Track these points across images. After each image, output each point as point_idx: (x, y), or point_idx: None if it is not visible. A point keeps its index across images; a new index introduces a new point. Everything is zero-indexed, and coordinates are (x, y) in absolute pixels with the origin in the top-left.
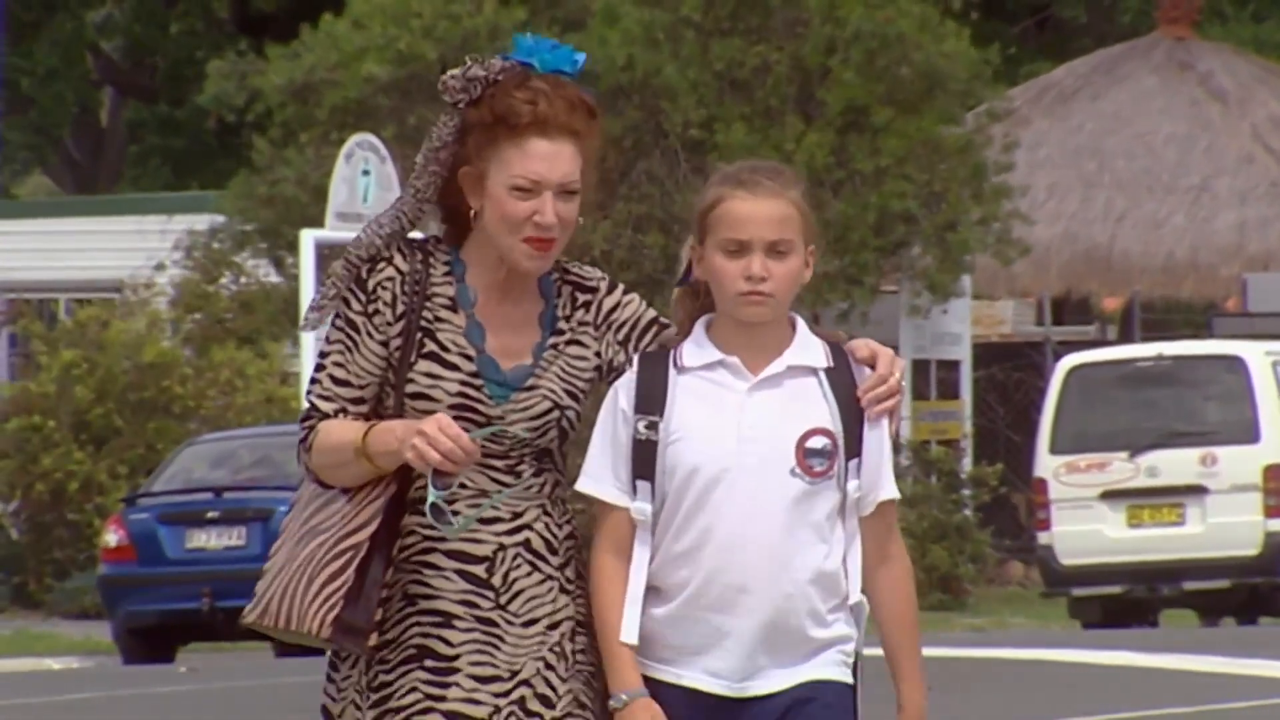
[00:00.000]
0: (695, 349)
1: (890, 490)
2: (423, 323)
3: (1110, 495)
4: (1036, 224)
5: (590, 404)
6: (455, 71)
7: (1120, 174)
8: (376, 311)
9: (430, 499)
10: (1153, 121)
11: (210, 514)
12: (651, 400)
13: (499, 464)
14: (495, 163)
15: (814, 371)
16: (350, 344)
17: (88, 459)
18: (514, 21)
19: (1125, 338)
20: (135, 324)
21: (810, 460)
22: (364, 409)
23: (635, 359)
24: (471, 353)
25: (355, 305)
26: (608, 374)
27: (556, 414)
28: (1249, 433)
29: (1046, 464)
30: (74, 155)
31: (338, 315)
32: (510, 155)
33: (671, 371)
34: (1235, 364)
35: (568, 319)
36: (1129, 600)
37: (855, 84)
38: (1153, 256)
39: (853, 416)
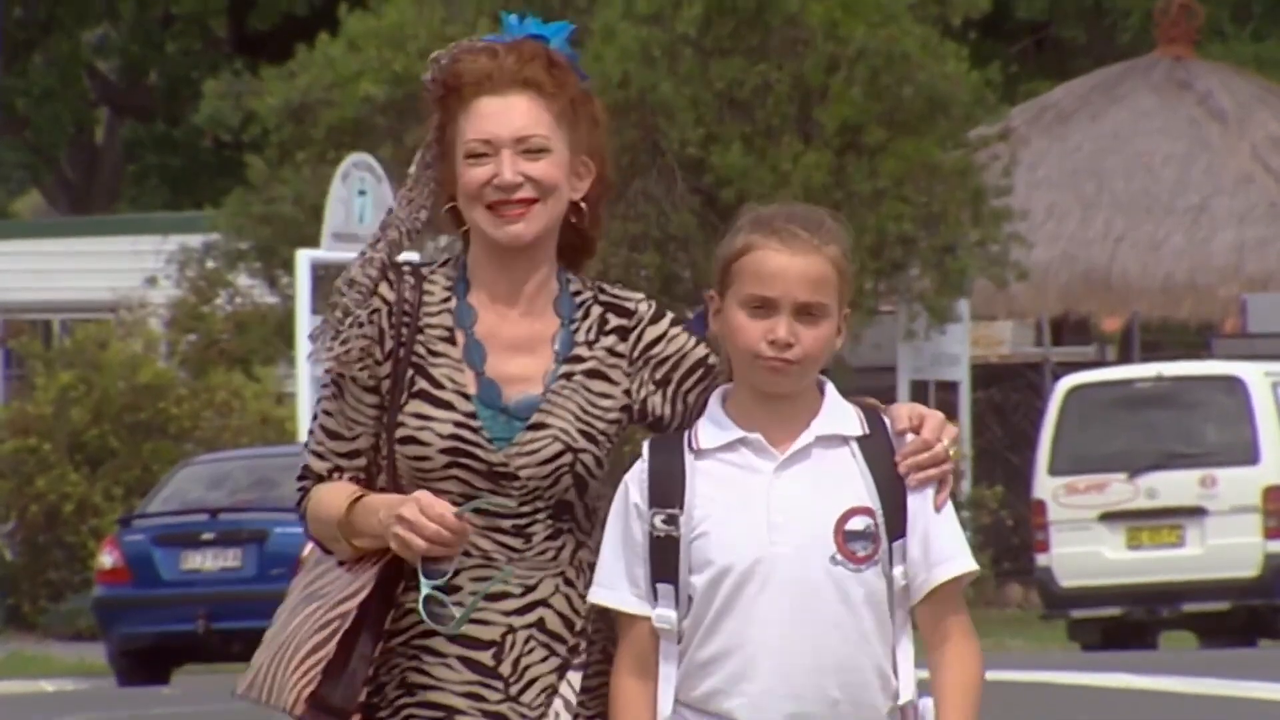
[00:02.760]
0: (712, 428)
1: (948, 569)
2: (414, 358)
3: (1109, 517)
4: (1035, 245)
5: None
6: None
7: (1119, 194)
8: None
9: (423, 592)
10: (1151, 141)
11: (206, 535)
12: (668, 491)
13: (506, 524)
14: (457, 140)
15: (846, 441)
16: (337, 390)
17: (83, 480)
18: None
19: (1124, 358)
20: (131, 345)
21: (852, 545)
22: (360, 463)
23: (646, 446)
24: (470, 390)
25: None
26: (639, 418)
27: (569, 459)
28: (1248, 454)
29: (1045, 485)
30: (68, 175)
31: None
32: (464, 123)
33: (688, 456)
34: (1234, 385)
35: (590, 344)
36: (1128, 622)
37: (857, 102)
38: (1151, 277)
39: (894, 491)
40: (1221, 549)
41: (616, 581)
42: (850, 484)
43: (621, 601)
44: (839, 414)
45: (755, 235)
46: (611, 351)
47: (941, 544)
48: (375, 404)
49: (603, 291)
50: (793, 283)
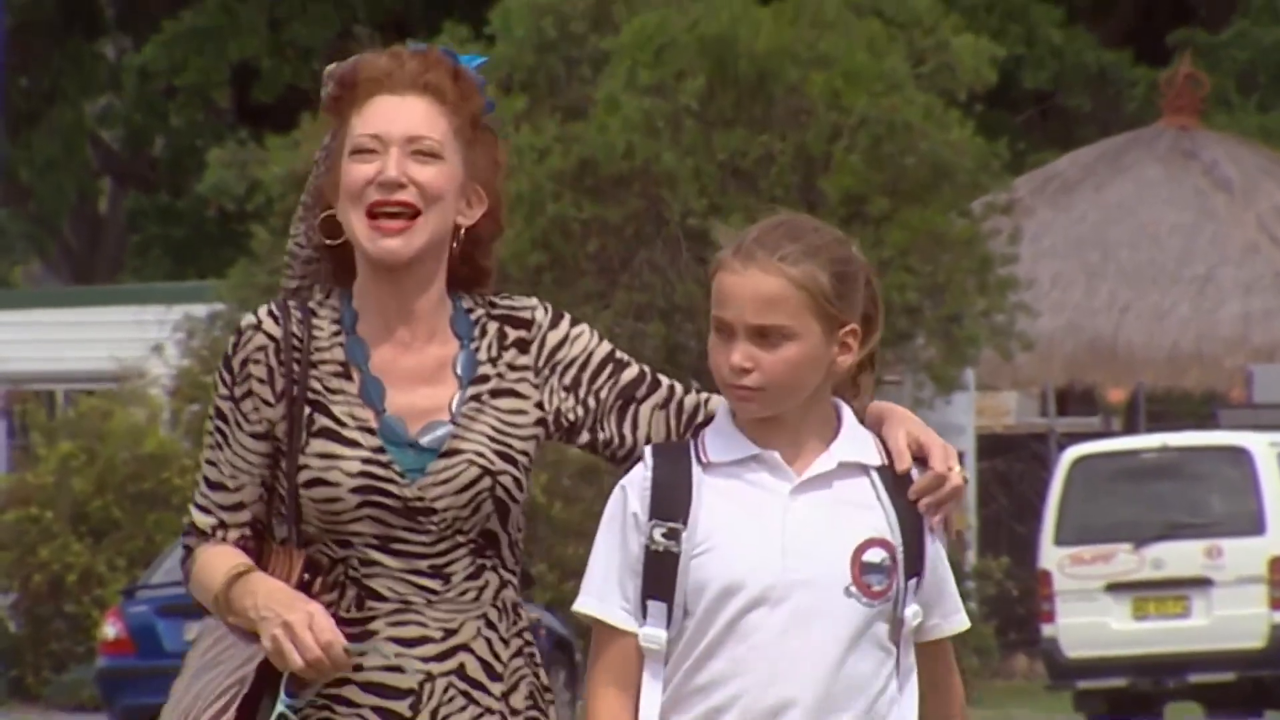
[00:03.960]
0: (722, 440)
1: (958, 620)
2: (310, 395)
3: (1115, 587)
4: (1040, 315)
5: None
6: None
7: (1124, 264)
8: (248, 394)
9: (277, 709)
10: (1157, 211)
11: None
12: (672, 503)
13: (424, 564)
14: (346, 144)
15: (866, 470)
16: (220, 438)
17: (86, 551)
18: (514, 110)
19: (1130, 429)
20: (135, 415)
21: (868, 578)
22: (244, 516)
23: (647, 452)
24: (373, 424)
25: (223, 388)
26: (555, 429)
27: (488, 482)
28: (1254, 524)
29: (1051, 556)
30: (72, 245)
31: (212, 401)
32: (355, 123)
33: (695, 468)
34: (1240, 455)
35: (494, 361)
36: (1134, 693)
37: (860, 171)
38: (1157, 347)
39: (914, 527)
40: (1227, 620)
41: (606, 592)
42: (870, 514)
43: (610, 614)
44: (858, 440)
45: (724, 254)
46: (514, 366)
47: (952, 591)
48: (263, 451)
49: (494, 305)
50: (744, 304)
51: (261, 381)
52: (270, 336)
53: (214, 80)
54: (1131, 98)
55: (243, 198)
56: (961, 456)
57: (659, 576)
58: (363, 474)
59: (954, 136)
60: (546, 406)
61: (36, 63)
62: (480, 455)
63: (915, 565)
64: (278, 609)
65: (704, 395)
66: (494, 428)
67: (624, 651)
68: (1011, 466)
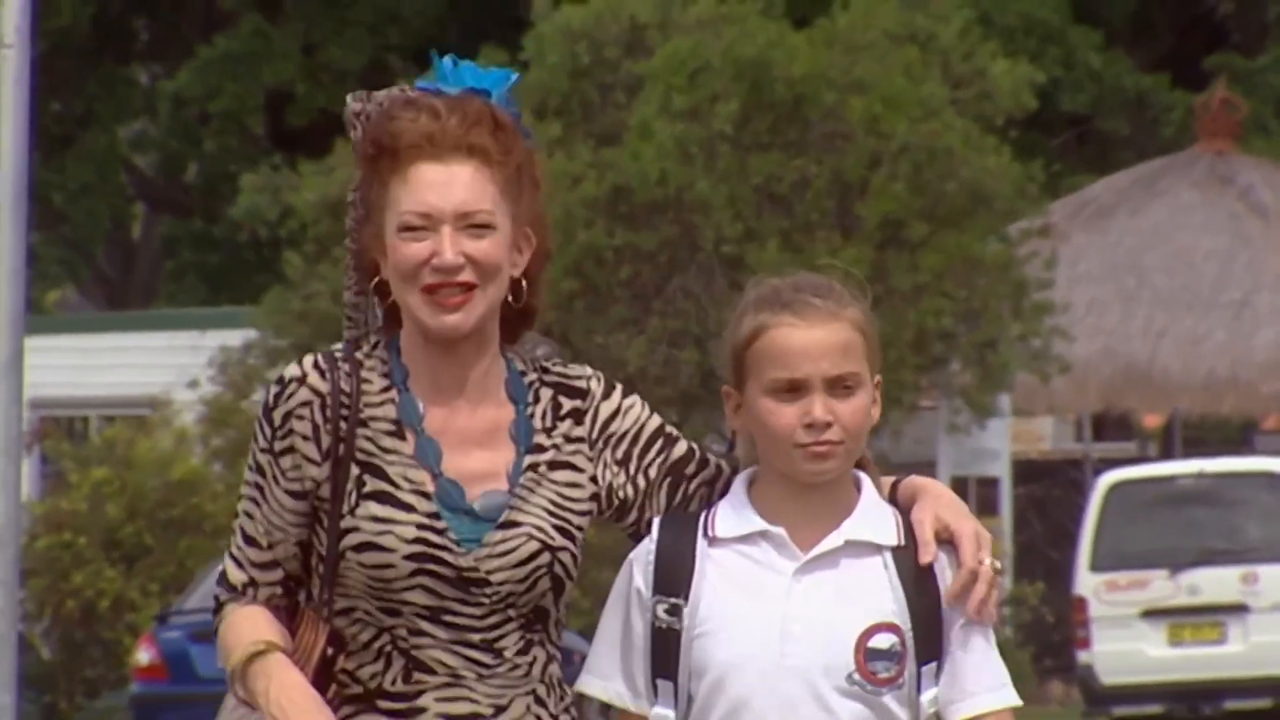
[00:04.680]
0: (732, 514)
1: (991, 700)
2: (359, 454)
3: (1151, 613)
4: (1076, 340)
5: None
6: (349, 100)
7: (1160, 289)
8: (289, 450)
9: None
10: (1193, 236)
11: None
12: (674, 578)
13: (475, 637)
14: (388, 208)
15: (879, 550)
16: (257, 492)
17: (119, 577)
18: (548, 136)
19: (1166, 455)
20: (163, 441)
21: (873, 664)
22: (276, 575)
23: (655, 525)
24: (429, 488)
25: (262, 440)
26: (607, 506)
27: (547, 558)
28: None
29: (1087, 582)
30: (105, 270)
31: (251, 450)
32: (398, 191)
33: (700, 542)
34: (1276, 481)
35: (549, 431)
36: None
37: (901, 197)
38: (1193, 373)
39: (928, 609)
40: (1264, 646)
41: (610, 671)
42: (877, 597)
43: (615, 695)
44: (874, 517)
45: (765, 315)
46: (569, 438)
47: (984, 674)
48: (301, 510)
49: (546, 372)
50: (819, 357)
51: (305, 439)
52: (315, 391)
53: (248, 106)
54: (1168, 122)
55: (275, 222)
56: (996, 483)
57: (665, 654)
58: (418, 540)
59: (991, 163)
60: (600, 481)
61: (69, 87)
62: (540, 530)
63: (931, 650)
64: (287, 711)
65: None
66: (553, 501)
67: None
68: (1047, 492)
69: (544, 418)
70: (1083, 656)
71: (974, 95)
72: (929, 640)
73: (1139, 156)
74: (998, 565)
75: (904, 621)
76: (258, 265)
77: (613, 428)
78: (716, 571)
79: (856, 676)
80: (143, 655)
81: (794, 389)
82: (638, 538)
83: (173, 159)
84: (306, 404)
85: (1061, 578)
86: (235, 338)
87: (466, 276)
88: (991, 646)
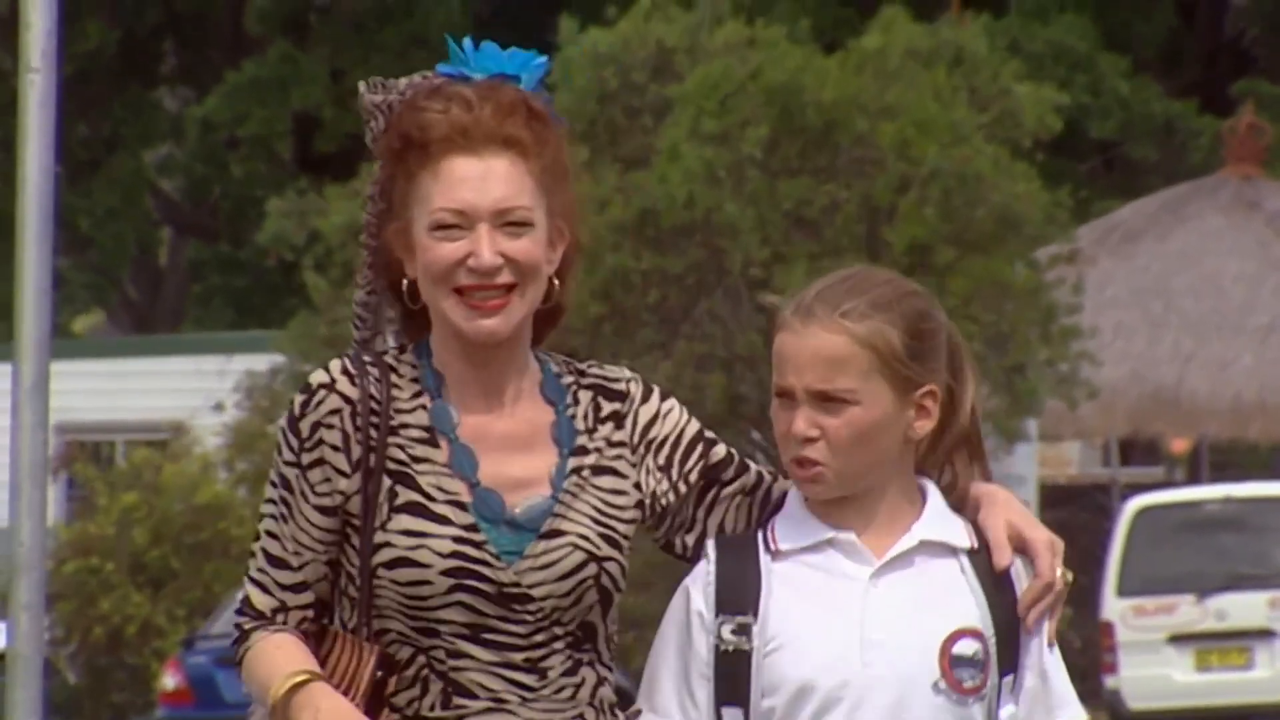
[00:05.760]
0: (792, 525)
1: (1070, 714)
2: (390, 464)
3: (1178, 639)
4: (1103, 365)
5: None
6: (362, 88)
7: (1187, 314)
8: (319, 462)
9: None
10: (1220, 261)
11: None
12: (739, 597)
13: (518, 657)
14: (415, 204)
15: (954, 552)
16: (284, 509)
17: (145, 601)
18: (574, 160)
19: (1193, 480)
20: (188, 466)
21: (959, 671)
22: (308, 598)
23: (710, 546)
24: (465, 498)
25: (288, 453)
26: (650, 514)
27: (593, 570)
28: None
29: (1113, 607)
30: (132, 295)
31: (273, 465)
32: (428, 187)
33: (763, 558)
34: None
35: (590, 433)
36: None
37: (930, 221)
38: (1220, 398)
39: (1008, 618)
40: None
41: (667, 703)
42: (959, 601)
43: None
44: (944, 521)
45: (783, 313)
46: (611, 442)
47: (1060, 685)
48: (331, 527)
49: (583, 374)
50: (804, 367)
51: (336, 449)
52: (345, 398)
53: (276, 130)
54: (1196, 148)
55: (301, 248)
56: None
57: (732, 678)
58: (455, 554)
59: (1020, 189)
60: (644, 487)
61: (96, 111)
62: (585, 539)
63: (1010, 661)
64: None
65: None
66: (597, 509)
67: None
68: (1074, 517)
69: (585, 419)
70: (1110, 682)
71: (999, 116)
72: (1008, 650)
73: (1167, 182)
74: (1069, 577)
75: (986, 628)
76: (285, 289)
77: (653, 432)
78: (784, 585)
79: (943, 685)
80: (169, 680)
81: (785, 396)
82: (669, 549)
83: (199, 183)
84: (336, 411)
85: (1088, 602)
86: (261, 362)
87: (505, 278)
88: (1060, 659)
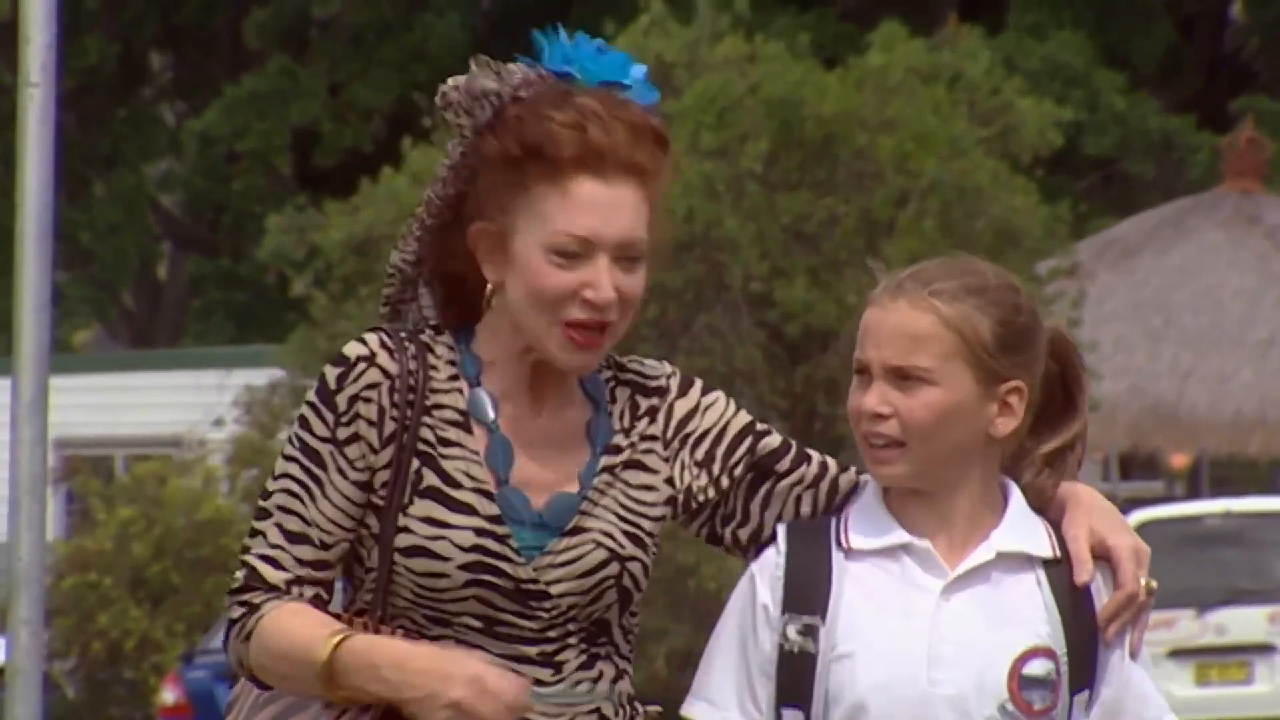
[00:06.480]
0: (867, 523)
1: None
2: (421, 446)
3: (1177, 653)
4: (1103, 379)
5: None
6: (456, 80)
7: (1187, 328)
8: (355, 438)
9: None
10: (1219, 275)
11: None
12: (808, 595)
13: (532, 650)
14: (525, 215)
15: (1032, 564)
16: (312, 482)
17: (145, 616)
18: None
19: (1193, 494)
20: (191, 482)
21: (1029, 693)
22: (329, 575)
23: (780, 533)
24: (491, 487)
25: (320, 427)
26: (684, 509)
27: (615, 569)
28: None
29: None
30: (131, 309)
31: (294, 438)
32: (549, 204)
33: (836, 555)
34: None
35: (627, 432)
36: None
37: (929, 235)
38: (1220, 412)
39: (1082, 632)
40: None
41: (725, 698)
42: (1033, 618)
43: None
44: (1025, 527)
45: (876, 290)
46: (645, 436)
47: (1146, 691)
48: (362, 504)
49: (623, 369)
50: (885, 340)
51: (371, 424)
52: (385, 372)
53: (275, 145)
54: (1195, 164)
55: (301, 262)
56: None
57: (795, 680)
58: (475, 548)
59: (1020, 203)
60: (677, 484)
61: (96, 126)
62: (608, 536)
63: (1083, 677)
64: (434, 679)
65: (866, 477)
66: (623, 505)
67: None
68: None
69: (622, 418)
70: None
71: (999, 131)
72: (1083, 667)
73: (1165, 198)
74: (1153, 585)
75: (1059, 646)
76: (285, 304)
77: (691, 426)
78: (855, 588)
79: (1010, 707)
80: (168, 695)
81: (862, 371)
82: (716, 540)
83: (199, 198)
84: (374, 386)
85: None
86: (261, 377)
87: (612, 315)
88: (1148, 666)
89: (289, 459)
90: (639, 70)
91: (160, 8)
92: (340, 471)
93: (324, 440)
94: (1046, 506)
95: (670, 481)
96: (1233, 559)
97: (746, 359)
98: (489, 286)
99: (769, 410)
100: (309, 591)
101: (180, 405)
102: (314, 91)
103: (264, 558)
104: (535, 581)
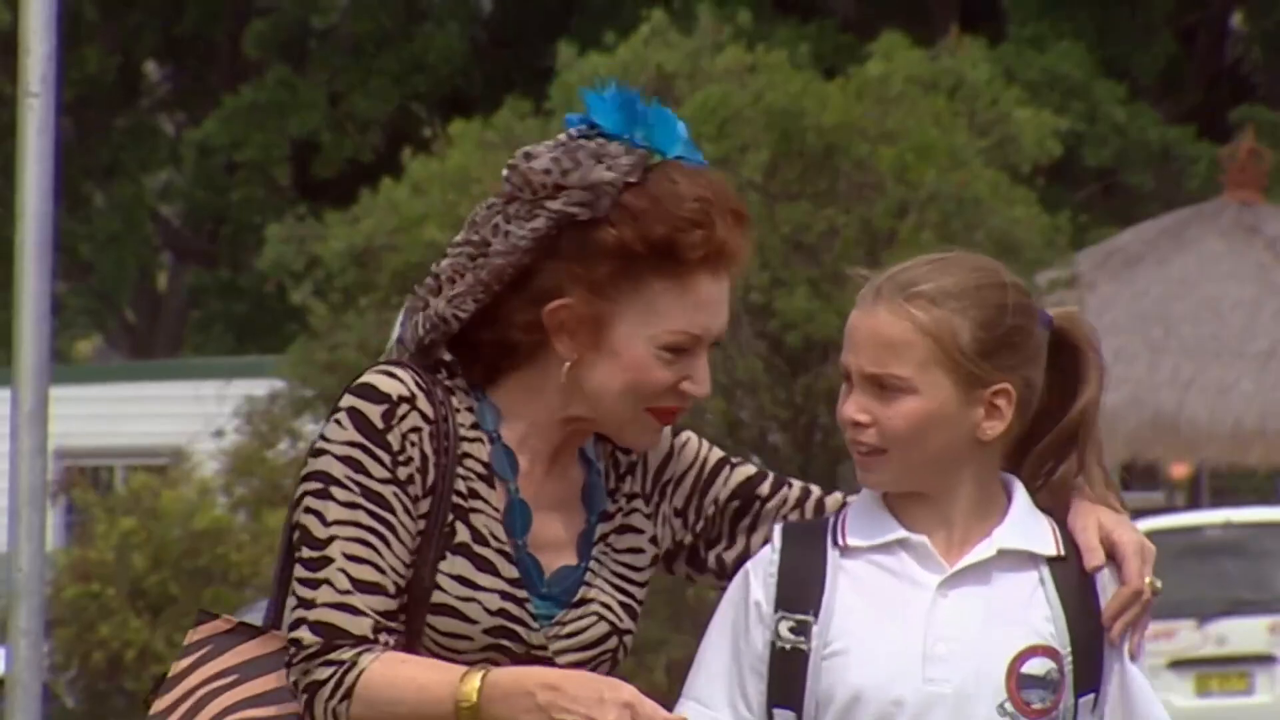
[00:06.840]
0: (865, 521)
1: None
2: (455, 498)
3: (1178, 664)
4: (1103, 390)
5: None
6: (545, 159)
7: (1187, 339)
8: (411, 479)
9: None
10: (1220, 286)
11: None
12: (801, 592)
13: None
14: (635, 307)
15: (1035, 561)
16: (383, 527)
17: (145, 627)
18: None
19: (1193, 505)
20: (187, 492)
21: (1027, 693)
22: (400, 627)
23: (776, 533)
24: (509, 549)
25: (377, 468)
26: (665, 561)
27: (614, 642)
28: None
29: None
30: (131, 320)
31: (349, 482)
32: (667, 301)
33: (831, 552)
34: None
35: (613, 494)
36: None
37: (931, 245)
38: (1220, 423)
39: (1088, 632)
40: None
41: (715, 698)
42: (1034, 616)
43: None
44: (1029, 524)
45: (862, 290)
46: (630, 495)
47: (1142, 704)
48: (415, 550)
49: None
50: (860, 346)
51: (419, 470)
52: (426, 417)
53: (274, 156)
54: (1195, 174)
55: (300, 274)
56: None
57: (787, 679)
58: (500, 612)
59: (1019, 213)
60: (660, 542)
61: (96, 136)
62: (608, 609)
63: (1090, 679)
64: (589, 704)
65: (854, 497)
66: (617, 574)
67: None
68: None
69: (608, 478)
70: None
71: (999, 141)
72: (1089, 667)
73: (1165, 209)
74: (1158, 585)
75: (1063, 645)
76: (285, 315)
77: (668, 473)
78: (849, 584)
79: (1008, 706)
80: None
81: (845, 375)
82: (700, 566)
83: (199, 208)
84: (417, 430)
85: None
86: (260, 387)
87: (685, 402)
88: (1145, 671)
89: (347, 506)
90: (685, 130)
91: (160, 18)
92: (406, 511)
93: (385, 481)
94: (1053, 503)
95: (654, 540)
96: (1233, 569)
97: (747, 370)
98: (565, 364)
99: (769, 421)
100: (393, 640)
101: (180, 416)
102: (313, 102)
103: (339, 608)
104: (544, 649)
